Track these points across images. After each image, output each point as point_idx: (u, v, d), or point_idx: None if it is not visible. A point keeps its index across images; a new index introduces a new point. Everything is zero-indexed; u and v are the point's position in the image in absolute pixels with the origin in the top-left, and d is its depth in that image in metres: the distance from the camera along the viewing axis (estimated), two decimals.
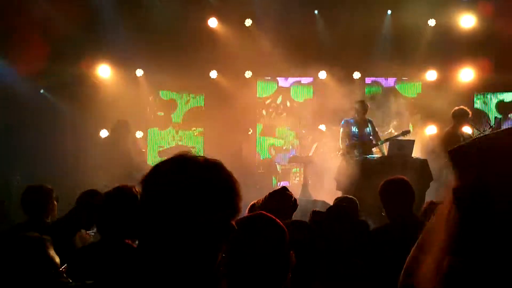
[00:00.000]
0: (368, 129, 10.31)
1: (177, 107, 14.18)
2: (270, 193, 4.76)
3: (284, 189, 4.83)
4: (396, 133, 10.29)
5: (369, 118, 10.52)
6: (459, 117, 10.22)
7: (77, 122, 12.55)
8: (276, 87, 14.15)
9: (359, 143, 10.14)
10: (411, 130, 10.71)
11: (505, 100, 13.73)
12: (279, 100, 14.10)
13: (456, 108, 10.46)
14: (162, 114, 14.10)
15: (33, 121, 12.04)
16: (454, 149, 1.49)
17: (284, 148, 13.99)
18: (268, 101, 14.13)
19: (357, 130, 10.23)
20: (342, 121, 10.40)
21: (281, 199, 4.68)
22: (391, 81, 14.03)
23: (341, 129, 10.31)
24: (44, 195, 5.11)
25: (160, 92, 14.11)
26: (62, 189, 5.98)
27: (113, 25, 12.44)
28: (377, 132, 10.49)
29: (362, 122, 10.32)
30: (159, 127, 14.10)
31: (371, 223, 5.81)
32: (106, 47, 12.67)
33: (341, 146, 10.22)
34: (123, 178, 9.91)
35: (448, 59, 12.87)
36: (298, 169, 12.58)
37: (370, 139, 10.27)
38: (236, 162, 12.06)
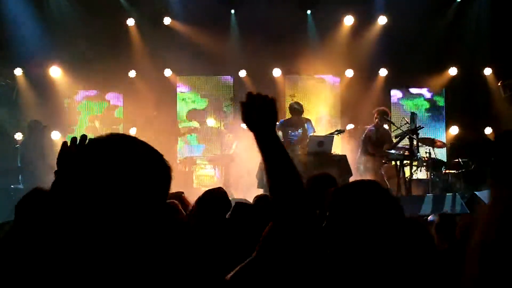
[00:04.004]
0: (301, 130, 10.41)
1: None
2: (207, 193, 4.66)
3: (221, 189, 4.76)
4: (329, 132, 10.39)
5: (306, 118, 10.69)
6: (380, 116, 10.59)
7: None
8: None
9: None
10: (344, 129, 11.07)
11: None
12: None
13: (377, 108, 10.85)
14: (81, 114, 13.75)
15: None
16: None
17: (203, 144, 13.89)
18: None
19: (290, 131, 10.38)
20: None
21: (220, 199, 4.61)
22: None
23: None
24: None
25: (78, 92, 13.72)
26: None
27: (26, 23, 12.04)
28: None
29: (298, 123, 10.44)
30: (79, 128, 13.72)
31: None
32: (20, 47, 12.24)
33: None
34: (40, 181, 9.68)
35: (365, 56, 13.05)
36: (218, 167, 12.48)
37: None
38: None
